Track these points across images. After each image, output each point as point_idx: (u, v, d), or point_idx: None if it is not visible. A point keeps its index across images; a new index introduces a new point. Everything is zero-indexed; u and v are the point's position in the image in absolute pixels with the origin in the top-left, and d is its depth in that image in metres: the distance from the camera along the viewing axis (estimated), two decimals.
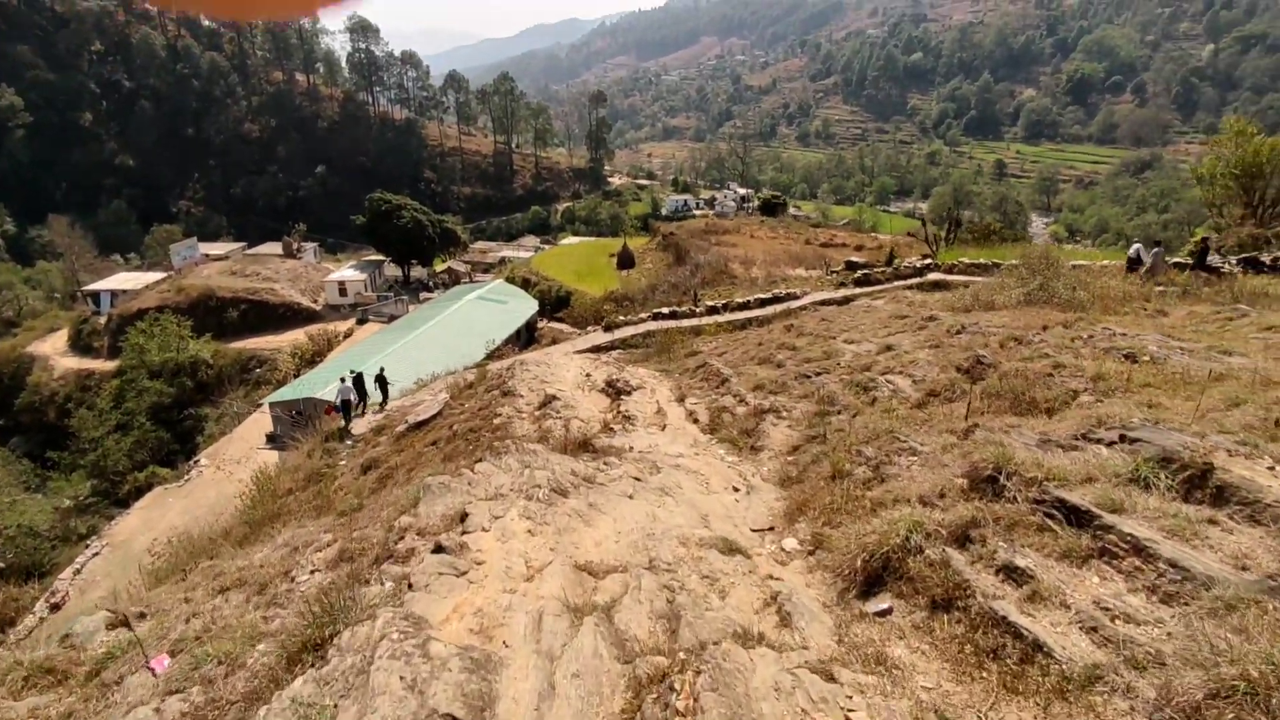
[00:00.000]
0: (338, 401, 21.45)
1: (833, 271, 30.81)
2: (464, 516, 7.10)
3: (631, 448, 9.47)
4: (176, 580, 9.62)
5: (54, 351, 59.19)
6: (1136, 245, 22.65)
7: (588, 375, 14.91)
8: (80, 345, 58.94)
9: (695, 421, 11.32)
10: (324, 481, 15.69)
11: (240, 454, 35.26)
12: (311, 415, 28.23)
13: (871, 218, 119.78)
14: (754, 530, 7.51)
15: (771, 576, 6.23)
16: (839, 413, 10.64)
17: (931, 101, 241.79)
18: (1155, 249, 21.01)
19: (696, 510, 7.79)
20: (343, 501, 12.67)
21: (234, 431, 40.50)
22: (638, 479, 8.24)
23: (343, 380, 22.49)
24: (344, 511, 8.66)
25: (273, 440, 34.14)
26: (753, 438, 10.45)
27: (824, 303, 22.74)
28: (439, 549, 6.52)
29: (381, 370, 24.21)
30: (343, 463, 17.30)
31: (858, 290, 24.06)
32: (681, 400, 12.44)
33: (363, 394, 23.08)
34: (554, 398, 12.62)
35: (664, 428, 10.69)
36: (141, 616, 8.15)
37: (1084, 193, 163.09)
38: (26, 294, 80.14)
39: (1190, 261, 20.44)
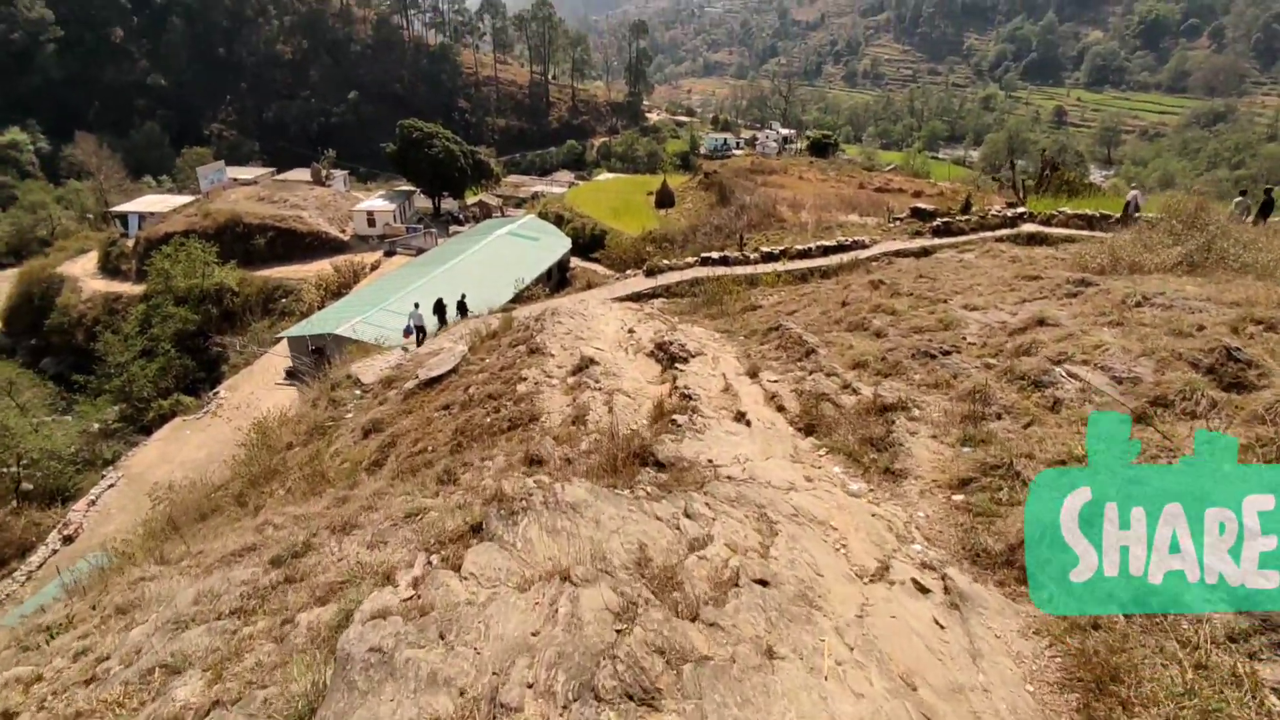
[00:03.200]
0: (411, 325, 22.77)
1: (896, 219, 27.90)
2: None
3: (711, 462, 6.77)
4: (106, 589, 7.73)
5: (84, 273, 58.64)
6: (1134, 192, 23.53)
7: (630, 331, 12.68)
8: (109, 268, 58.32)
9: (781, 410, 8.71)
10: (325, 438, 13.89)
11: (258, 389, 34.13)
12: (328, 353, 26.67)
13: (921, 164, 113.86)
14: None
15: None
16: (998, 417, 7.53)
17: (989, 42, 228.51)
18: (1134, 191, 22.49)
19: (887, 677, 4.26)
20: (336, 472, 10.79)
21: (255, 364, 39.54)
22: (764, 584, 4.72)
23: (416, 307, 23.78)
24: (278, 559, 6.21)
25: (292, 376, 32.87)
26: (883, 452, 7.30)
27: (899, 253, 20.01)
28: None
29: (463, 297, 25.47)
30: (349, 415, 15.48)
31: (939, 241, 21.19)
32: (754, 375, 9.83)
33: (444, 320, 24.19)
34: (591, 361, 10.43)
35: (742, 417, 8.18)
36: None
37: (1149, 145, 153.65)
38: (59, 214, 79.53)
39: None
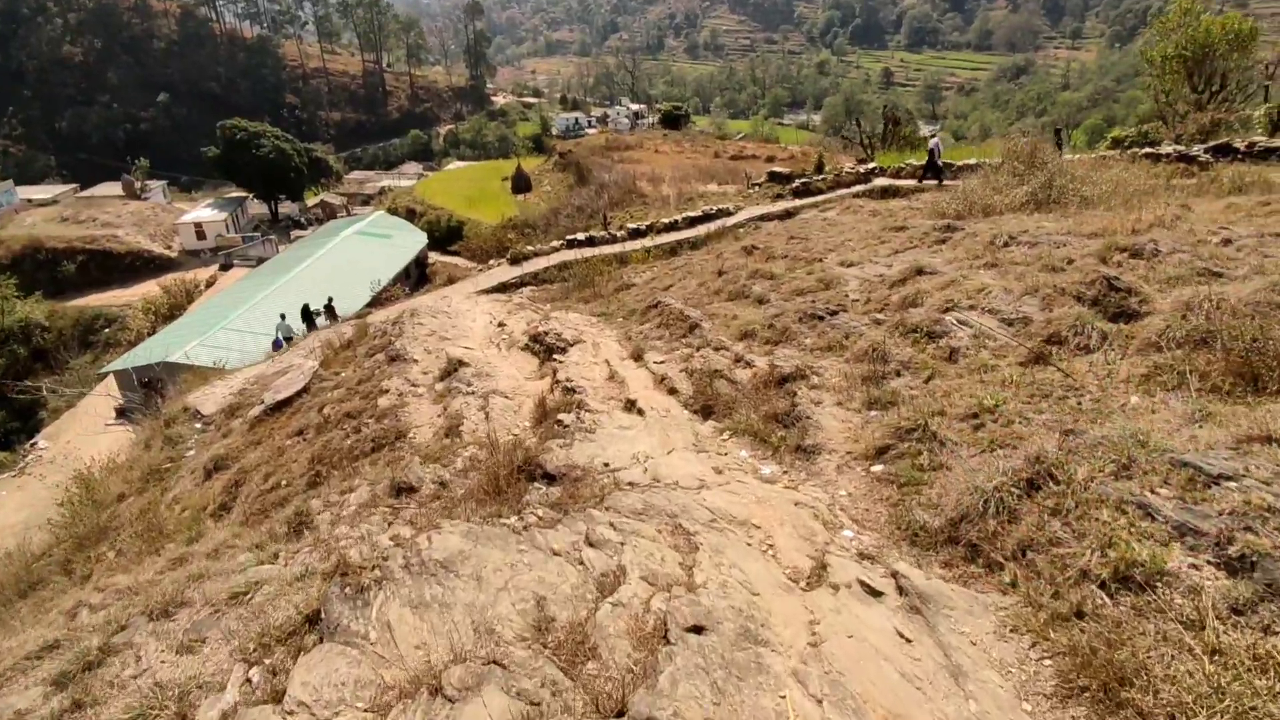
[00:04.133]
0: (280, 339, 21.78)
1: (755, 184, 28.04)
2: None
3: (608, 465, 5.87)
4: None
5: None
6: (934, 139, 23.71)
7: (501, 325, 11.64)
8: None
9: (673, 392, 7.86)
10: (161, 484, 12.04)
11: (84, 434, 30.11)
12: (161, 384, 23.73)
13: (769, 130, 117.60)
14: None
15: None
16: (898, 374, 7.01)
17: (818, 9, 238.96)
18: (934, 139, 23.05)
19: None
20: (175, 523, 9.22)
21: (80, 404, 35.03)
22: (699, 631, 3.77)
23: (282, 318, 23.12)
24: (63, 676, 4.43)
25: (124, 414, 29.27)
26: (790, 428, 6.56)
27: (764, 218, 19.96)
28: None
29: (330, 300, 24.53)
30: (189, 453, 13.61)
31: (800, 202, 21.39)
32: (639, 358, 9.16)
33: (313, 328, 22.78)
34: (460, 362, 9.37)
35: (633, 406, 7.35)
36: None
37: (966, 99, 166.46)
38: None
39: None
